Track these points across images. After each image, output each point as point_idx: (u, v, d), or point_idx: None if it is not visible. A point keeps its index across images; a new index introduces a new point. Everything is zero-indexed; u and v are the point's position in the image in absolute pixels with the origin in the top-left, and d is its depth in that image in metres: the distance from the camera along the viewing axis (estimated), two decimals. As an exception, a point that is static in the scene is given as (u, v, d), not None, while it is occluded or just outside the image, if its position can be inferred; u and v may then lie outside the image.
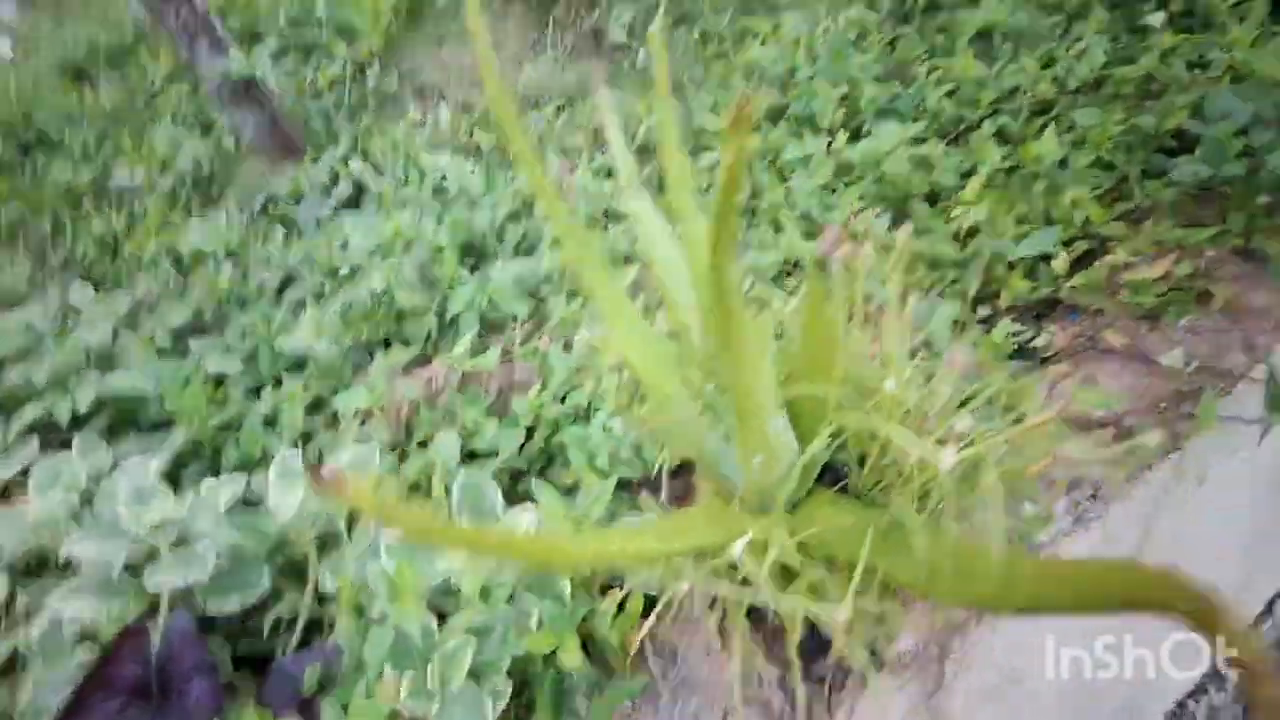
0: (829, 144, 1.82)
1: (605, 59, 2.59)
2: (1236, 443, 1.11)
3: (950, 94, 1.85)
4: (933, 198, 1.68)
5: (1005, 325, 1.34)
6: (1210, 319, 1.24)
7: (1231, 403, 1.11)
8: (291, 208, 2.16)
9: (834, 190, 1.73)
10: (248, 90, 2.39)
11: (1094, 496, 1.06)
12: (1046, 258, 1.45)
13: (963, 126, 1.81)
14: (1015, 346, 1.32)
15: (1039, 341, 1.35)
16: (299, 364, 1.56)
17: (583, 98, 2.47)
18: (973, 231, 1.54)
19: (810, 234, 1.64)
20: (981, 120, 1.78)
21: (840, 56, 1.99)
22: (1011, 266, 1.48)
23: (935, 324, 1.36)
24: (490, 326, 1.61)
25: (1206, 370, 1.17)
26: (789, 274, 1.55)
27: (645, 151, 2.11)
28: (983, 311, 1.44)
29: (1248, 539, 1.19)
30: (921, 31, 2.15)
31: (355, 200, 2.24)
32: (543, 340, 1.49)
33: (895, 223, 1.65)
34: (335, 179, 2.29)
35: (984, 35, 2.01)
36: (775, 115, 1.99)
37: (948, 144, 1.81)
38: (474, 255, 1.88)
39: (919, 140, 1.80)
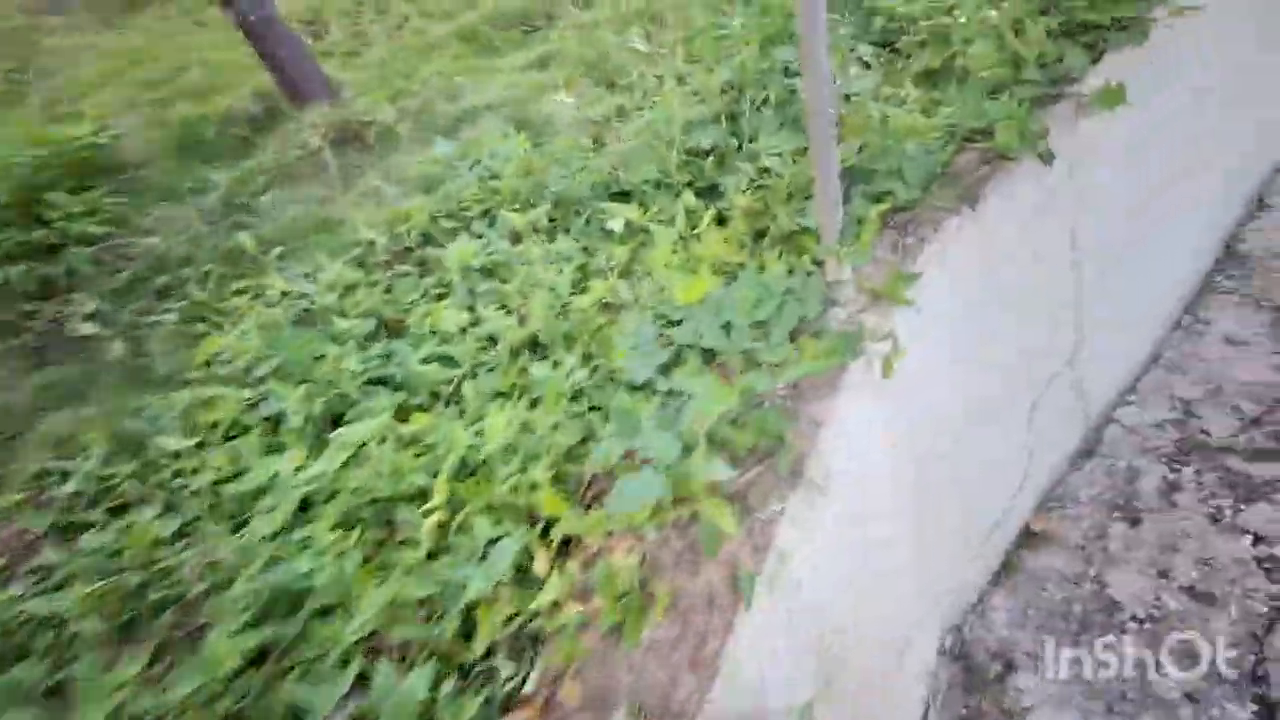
0: (299, 456, 1.51)
1: (76, 357, 2.09)
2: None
3: (428, 358, 1.67)
4: (421, 496, 1.45)
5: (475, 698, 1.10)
6: (662, 626, 1.10)
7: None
8: None
9: (306, 521, 1.41)
10: None
11: None
12: (525, 566, 1.26)
13: (448, 387, 1.63)
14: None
15: (526, 688, 1.13)
16: None
17: (48, 412, 1.94)
18: (449, 547, 1.31)
19: (277, 608, 1.28)
20: (462, 382, 1.61)
21: (305, 345, 1.72)
22: (502, 583, 1.26)
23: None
24: None
25: (665, 715, 1.01)
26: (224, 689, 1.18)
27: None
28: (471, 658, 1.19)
29: None
30: (418, 268, 2.00)
31: None
32: None
33: (380, 544, 1.38)
34: None
35: (469, 272, 1.90)
36: (244, 423, 1.65)
37: (445, 405, 1.62)
38: None
39: (406, 410, 1.58)
